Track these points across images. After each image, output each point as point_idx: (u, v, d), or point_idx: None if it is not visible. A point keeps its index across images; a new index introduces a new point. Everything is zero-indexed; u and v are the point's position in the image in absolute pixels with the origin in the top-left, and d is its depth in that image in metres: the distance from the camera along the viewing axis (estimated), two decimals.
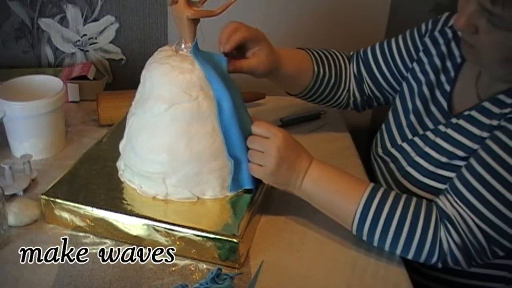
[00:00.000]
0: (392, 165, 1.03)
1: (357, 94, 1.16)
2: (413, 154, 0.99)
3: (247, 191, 0.94)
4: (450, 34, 1.02)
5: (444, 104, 0.99)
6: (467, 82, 0.97)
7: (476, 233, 0.83)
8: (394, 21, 1.44)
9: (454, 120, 0.94)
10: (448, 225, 0.84)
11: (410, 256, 0.87)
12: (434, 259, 0.85)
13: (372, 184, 0.89)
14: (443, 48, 1.02)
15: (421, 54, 1.06)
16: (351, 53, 1.19)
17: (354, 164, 1.12)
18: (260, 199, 0.95)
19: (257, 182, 0.94)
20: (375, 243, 0.88)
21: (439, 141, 0.95)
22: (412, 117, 1.03)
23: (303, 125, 1.26)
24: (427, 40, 1.05)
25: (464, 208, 0.84)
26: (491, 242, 0.83)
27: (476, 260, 0.85)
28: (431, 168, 0.94)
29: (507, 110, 0.86)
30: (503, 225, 0.82)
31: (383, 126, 1.11)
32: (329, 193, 0.90)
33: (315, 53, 1.13)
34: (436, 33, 1.04)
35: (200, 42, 0.92)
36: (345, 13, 1.43)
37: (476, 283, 0.97)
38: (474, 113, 0.91)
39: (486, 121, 0.88)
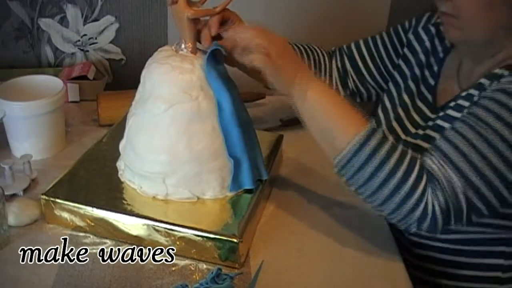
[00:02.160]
0: None
1: (340, 89, 1.17)
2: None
3: (247, 191, 0.94)
4: (433, 31, 1.06)
5: (429, 98, 1.02)
6: (449, 76, 1.01)
7: (459, 197, 0.81)
8: (395, 21, 1.44)
9: (441, 113, 0.96)
10: (436, 186, 0.82)
11: (387, 210, 0.83)
12: (413, 219, 0.82)
13: (371, 124, 0.85)
14: (427, 44, 1.06)
15: (406, 50, 1.09)
16: (333, 48, 1.20)
17: None
18: (260, 199, 0.95)
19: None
20: (354, 186, 0.85)
21: (429, 132, 0.97)
22: (400, 111, 1.06)
23: (303, 125, 1.26)
24: (410, 36, 1.08)
25: (450, 170, 0.82)
26: (471, 207, 0.82)
27: (450, 225, 0.83)
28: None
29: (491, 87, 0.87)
30: (485, 190, 0.81)
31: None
32: (328, 115, 0.86)
33: (294, 46, 1.13)
34: (420, 30, 1.08)
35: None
36: (345, 13, 1.43)
37: (474, 273, 0.98)
38: (460, 101, 0.92)
39: None
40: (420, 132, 1.00)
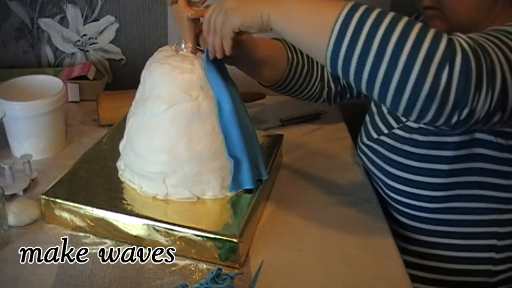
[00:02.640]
0: (378, 153, 1.05)
1: (331, 84, 1.17)
2: (398, 144, 1.00)
3: (247, 191, 0.94)
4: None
5: None
6: None
7: (490, 52, 0.71)
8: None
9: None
10: (461, 39, 0.71)
11: (405, 67, 0.68)
12: (438, 56, 0.67)
13: (352, 2, 0.73)
14: None
15: None
16: None
17: (354, 164, 1.12)
18: (260, 199, 0.95)
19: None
20: (354, 66, 0.72)
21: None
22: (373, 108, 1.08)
23: (303, 125, 1.26)
24: None
25: (482, 39, 0.73)
26: (503, 73, 0.70)
27: (483, 87, 0.69)
28: (416, 150, 0.96)
29: None
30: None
31: (367, 117, 1.13)
32: (308, 12, 0.75)
33: (288, 41, 1.12)
34: None
35: None
36: None
37: (467, 254, 0.99)
38: None
39: None
40: (414, 125, 0.98)
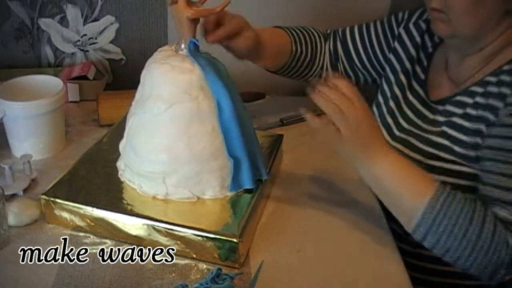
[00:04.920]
0: None
1: (330, 72, 1.20)
2: (406, 151, 1.02)
3: (247, 191, 0.94)
4: (424, 27, 1.08)
5: (422, 93, 1.05)
6: (438, 70, 1.04)
7: None
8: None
9: (440, 107, 0.99)
10: None
11: (474, 268, 0.84)
12: (504, 267, 0.84)
13: (439, 185, 0.85)
14: (418, 39, 1.08)
15: (396, 44, 1.11)
16: (328, 31, 1.23)
17: None
18: (260, 199, 0.95)
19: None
20: (430, 246, 0.86)
21: (427, 126, 1.00)
22: (392, 105, 1.09)
23: (303, 125, 1.26)
24: (401, 30, 1.11)
25: None
26: None
27: None
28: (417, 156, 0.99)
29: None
30: None
31: (375, 108, 1.15)
32: (396, 187, 0.86)
33: (293, 32, 1.16)
34: (411, 25, 1.10)
35: (200, 41, 0.92)
36: (345, 12, 1.43)
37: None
38: (460, 97, 0.95)
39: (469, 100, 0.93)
40: (413, 129, 1.02)
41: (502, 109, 0.87)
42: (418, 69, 1.07)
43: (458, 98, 0.95)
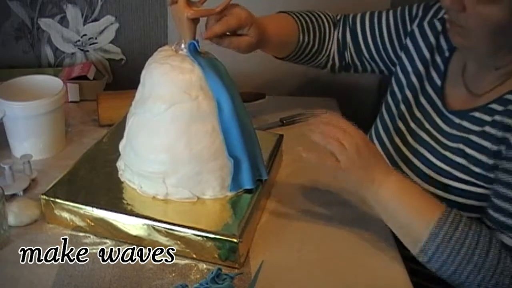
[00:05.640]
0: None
1: (336, 60, 1.18)
2: (418, 163, 1.00)
3: (247, 191, 0.94)
4: (439, 27, 1.04)
5: (437, 100, 1.01)
6: (455, 77, 1.00)
7: None
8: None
9: (456, 120, 0.95)
10: None
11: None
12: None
13: (445, 209, 0.85)
14: (432, 40, 1.04)
15: (408, 41, 1.08)
16: (338, 16, 1.20)
17: None
18: (260, 199, 0.94)
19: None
20: (437, 271, 0.86)
21: (443, 139, 0.97)
22: (402, 107, 1.06)
23: (303, 125, 1.26)
24: (415, 28, 1.07)
25: None
26: None
27: None
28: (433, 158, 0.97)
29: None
30: None
31: (378, 121, 1.12)
32: (402, 210, 0.86)
33: (301, 19, 1.14)
34: (425, 24, 1.06)
35: (200, 41, 0.92)
36: (346, 8, 1.43)
37: None
38: (479, 114, 0.92)
39: (487, 118, 0.90)
40: (428, 139, 0.99)
41: None
42: (434, 74, 1.03)
43: (477, 114, 0.92)
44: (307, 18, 1.15)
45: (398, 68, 1.10)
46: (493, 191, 0.87)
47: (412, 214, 0.86)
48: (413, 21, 1.08)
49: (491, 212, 0.87)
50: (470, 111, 0.93)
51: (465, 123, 0.93)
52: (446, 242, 0.83)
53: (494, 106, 0.90)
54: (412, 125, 1.03)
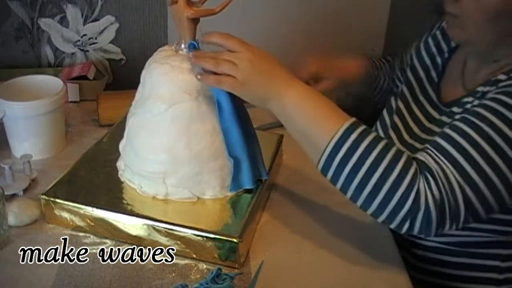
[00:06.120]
0: None
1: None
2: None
3: (247, 191, 0.94)
4: (439, 36, 1.07)
5: (433, 95, 1.02)
6: (454, 74, 1.01)
7: (456, 192, 0.77)
8: (395, 18, 1.44)
9: (446, 109, 0.97)
10: (429, 177, 0.78)
11: (373, 207, 0.80)
12: (403, 212, 0.78)
13: (352, 120, 0.82)
14: (433, 49, 1.07)
15: (415, 59, 1.10)
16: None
17: None
18: (260, 199, 0.94)
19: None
20: (339, 185, 0.82)
21: (433, 127, 0.98)
22: (401, 106, 1.07)
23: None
24: (421, 45, 1.10)
25: (448, 164, 0.78)
26: (468, 206, 0.78)
27: (446, 224, 0.79)
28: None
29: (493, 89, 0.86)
30: (484, 188, 0.77)
31: (378, 123, 1.13)
32: (307, 119, 0.83)
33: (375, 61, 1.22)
34: (429, 38, 1.09)
35: (200, 41, 0.92)
36: (345, 10, 1.43)
37: (470, 273, 0.98)
38: (465, 99, 0.92)
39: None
40: (422, 135, 1.00)
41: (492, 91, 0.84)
42: (433, 73, 1.05)
43: (465, 99, 0.92)
44: (378, 59, 1.24)
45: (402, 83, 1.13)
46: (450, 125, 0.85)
47: (316, 124, 0.82)
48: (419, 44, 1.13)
49: (438, 139, 0.83)
50: (461, 98, 0.94)
51: (455, 109, 0.94)
52: (349, 153, 0.79)
53: (481, 88, 0.89)
54: (410, 122, 1.04)
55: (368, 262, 0.89)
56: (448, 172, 0.78)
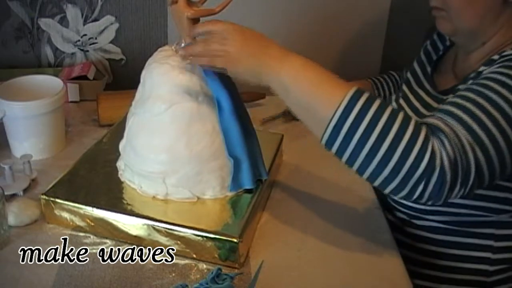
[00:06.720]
0: None
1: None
2: None
3: (247, 191, 0.94)
4: (435, 36, 1.10)
5: (428, 86, 1.05)
6: (446, 69, 1.04)
7: (468, 153, 0.76)
8: (395, 16, 1.44)
9: (441, 97, 0.99)
10: (443, 138, 0.76)
11: (384, 174, 0.76)
12: (417, 174, 0.74)
13: (355, 88, 0.77)
14: (430, 47, 1.10)
15: (414, 62, 1.12)
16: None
17: None
18: (260, 199, 0.95)
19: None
20: (345, 157, 0.78)
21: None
22: (401, 101, 1.09)
23: (303, 125, 1.26)
24: (421, 53, 1.12)
25: (458, 125, 0.77)
26: (477, 167, 0.76)
27: (456, 188, 0.76)
28: None
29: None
30: (492, 149, 0.77)
31: None
32: (308, 91, 0.79)
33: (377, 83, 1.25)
34: (428, 45, 1.11)
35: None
36: (345, 9, 1.44)
37: (464, 252, 0.98)
38: (459, 86, 0.93)
39: None
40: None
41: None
42: (428, 69, 1.07)
43: (459, 86, 0.93)
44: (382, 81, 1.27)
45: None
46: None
47: (318, 95, 0.78)
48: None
49: (446, 106, 0.82)
50: (455, 86, 0.96)
51: (447, 97, 0.94)
52: (355, 123, 0.75)
53: (472, 75, 0.91)
54: (408, 111, 1.05)
55: (369, 262, 0.89)
56: (459, 133, 0.76)
